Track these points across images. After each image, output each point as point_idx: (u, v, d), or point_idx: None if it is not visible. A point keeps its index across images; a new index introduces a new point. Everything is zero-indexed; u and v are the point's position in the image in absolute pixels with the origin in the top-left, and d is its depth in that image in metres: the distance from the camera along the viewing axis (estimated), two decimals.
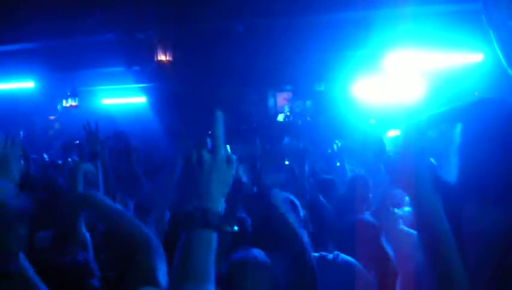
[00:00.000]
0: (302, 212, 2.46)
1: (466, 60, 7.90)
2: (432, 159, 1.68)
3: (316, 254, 2.40)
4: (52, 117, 13.39)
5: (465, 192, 1.49)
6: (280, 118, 13.07)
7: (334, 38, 7.84)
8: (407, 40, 7.15)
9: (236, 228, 2.40)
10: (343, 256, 2.38)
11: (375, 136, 3.90)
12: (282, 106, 13.27)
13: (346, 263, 2.35)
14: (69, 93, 10.65)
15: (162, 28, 6.74)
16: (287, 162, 5.90)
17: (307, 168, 5.00)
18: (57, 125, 13.66)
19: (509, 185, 1.42)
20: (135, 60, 7.89)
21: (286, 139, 9.70)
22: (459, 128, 1.56)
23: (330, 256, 2.38)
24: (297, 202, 2.53)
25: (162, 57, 6.63)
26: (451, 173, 1.57)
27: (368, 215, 3.43)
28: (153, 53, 6.75)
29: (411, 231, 2.37)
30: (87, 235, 2.49)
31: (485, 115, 1.51)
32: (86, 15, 7.17)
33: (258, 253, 1.98)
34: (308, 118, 12.14)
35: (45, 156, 7.43)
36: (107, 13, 6.73)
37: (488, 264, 1.39)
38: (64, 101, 11.09)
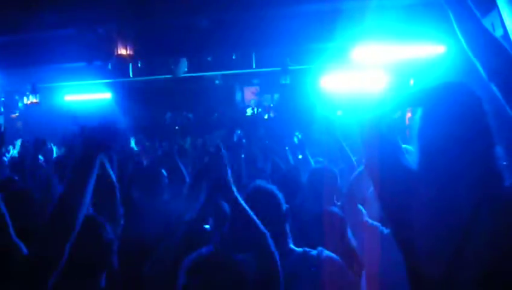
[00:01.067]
0: (284, 206, 2.40)
1: (429, 52, 8.02)
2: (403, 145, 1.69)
3: (299, 250, 2.36)
4: (14, 115, 13.01)
5: (423, 175, 1.51)
6: (249, 112, 13.06)
7: (301, 31, 7.82)
8: (373, 33, 7.20)
9: (208, 226, 2.35)
10: (327, 252, 2.35)
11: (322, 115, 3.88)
12: (250, 100, 13.25)
13: (330, 259, 2.32)
14: (28, 91, 10.33)
15: (122, 22, 6.57)
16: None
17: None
18: (19, 124, 13.29)
19: (465, 168, 1.44)
20: (96, 55, 7.70)
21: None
22: (419, 112, 1.57)
23: (314, 252, 2.34)
24: (280, 195, 2.46)
25: (122, 51, 6.46)
26: (412, 157, 1.58)
27: (335, 208, 3.42)
28: (114, 47, 6.57)
29: (376, 223, 2.36)
30: None
31: (448, 99, 1.52)
32: (45, 9, 6.93)
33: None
34: (272, 114, 12.18)
35: (7, 155, 7.19)
36: (67, 7, 6.52)
37: (450, 247, 1.39)
38: (25, 98, 10.75)
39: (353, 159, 3.45)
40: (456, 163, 1.45)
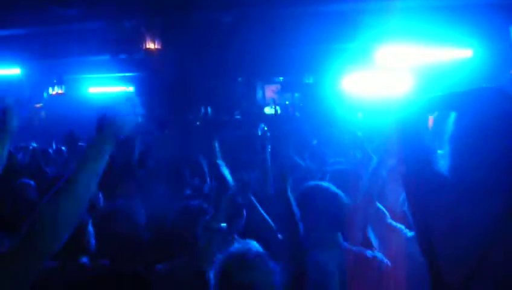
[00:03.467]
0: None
1: (456, 56, 7.91)
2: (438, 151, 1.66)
3: (356, 249, 2.35)
4: (38, 105, 13.21)
5: (456, 182, 1.47)
6: (267, 110, 13.03)
7: (324, 31, 7.79)
8: (397, 34, 7.14)
9: (224, 225, 2.38)
10: (380, 255, 2.34)
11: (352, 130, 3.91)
12: (270, 99, 13.22)
13: (382, 262, 2.31)
14: (55, 81, 10.49)
15: (149, 16, 6.63)
16: None
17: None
18: (42, 113, 13.49)
19: (498, 176, 1.41)
20: (122, 48, 7.78)
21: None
22: (452, 116, 1.53)
23: (369, 253, 2.33)
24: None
25: (150, 45, 6.52)
26: (444, 162, 1.55)
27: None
28: (141, 41, 6.64)
29: (399, 226, 2.35)
30: None
31: (484, 103, 1.47)
32: (74, 2, 7.04)
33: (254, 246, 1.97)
34: (297, 113, 12.12)
35: (34, 144, 7.31)
36: (94, 0, 6.62)
37: (472, 255, 1.37)
38: (50, 89, 10.93)
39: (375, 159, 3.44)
40: (489, 169, 1.40)
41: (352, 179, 3.78)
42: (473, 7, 6.61)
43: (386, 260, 2.26)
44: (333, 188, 2.45)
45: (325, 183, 2.54)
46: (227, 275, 1.85)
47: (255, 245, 2.01)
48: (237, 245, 1.97)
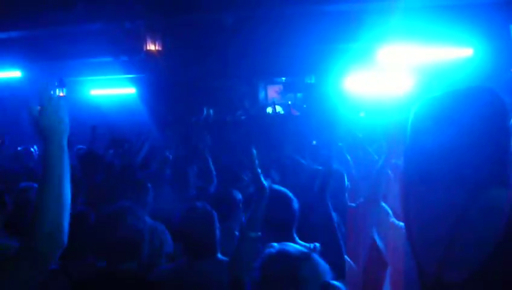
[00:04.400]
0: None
1: (457, 55, 7.91)
2: None
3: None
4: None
5: (412, 174, 1.52)
6: (269, 110, 13.04)
7: (326, 31, 7.80)
8: (399, 34, 7.14)
9: (259, 233, 2.39)
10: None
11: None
12: (271, 99, 13.24)
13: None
14: (56, 84, 10.50)
15: (150, 17, 6.63)
16: None
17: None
18: None
19: (470, 172, 1.43)
20: (123, 50, 7.79)
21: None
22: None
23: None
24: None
25: (151, 46, 6.53)
26: None
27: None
28: (142, 42, 6.64)
29: (401, 223, 2.34)
30: None
31: (464, 103, 1.50)
32: (73, 3, 7.05)
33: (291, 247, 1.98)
34: (297, 112, 12.11)
35: (35, 147, 7.33)
36: (94, 2, 6.62)
37: (441, 243, 1.41)
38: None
39: (377, 159, 3.44)
40: (460, 166, 1.44)
41: (339, 180, 3.84)
42: (473, 6, 6.62)
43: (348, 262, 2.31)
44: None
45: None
46: (270, 275, 1.83)
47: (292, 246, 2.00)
48: (275, 246, 1.94)
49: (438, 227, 1.44)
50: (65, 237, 1.56)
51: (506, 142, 1.46)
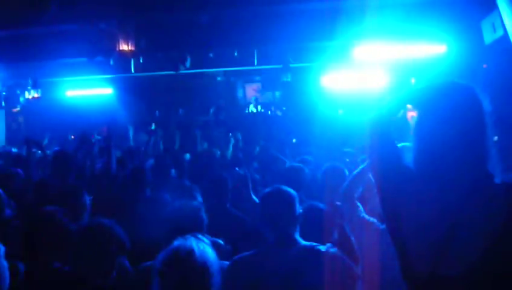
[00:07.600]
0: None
1: (431, 51, 8.02)
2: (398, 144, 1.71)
3: (306, 243, 2.36)
4: (15, 109, 13.00)
5: (417, 173, 1.53)
6: (250, 109, 13.06)
7: (302, 29, 7.82)
8: (374, 32, 7.21)
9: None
10: (334, 249, 2.36)
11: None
12: (252, 97, 13.25)
13: (339, 256, 2.32)
14: (30, 86, 10.33)
15: (123, 17, 6.55)
16: None
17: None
18: (20, 119, 13.29)
19: (457, 166, 1.46)
20: (98, 50, 7.70)
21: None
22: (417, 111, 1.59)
23: (323, 247, 2.35)
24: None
25: (124, 46, 6.46)
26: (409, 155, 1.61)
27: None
28: (115, 43, 6.57)
29: (372, 219, 2.38)
30: None
31: (443, 97, 1.54)
32: (47, 4, 6.94)
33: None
34: (279, 112, 12.16)
35: (13, 149, 7.20)
36: (68, 2, 6.52)
37: (437, 242, 1.43)
38: (26, 93, 10.74)
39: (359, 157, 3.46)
40: (449, 161, 1.47)
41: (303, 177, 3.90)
42: (446, 3, 6.72)
43: (341, 255, 2.31)
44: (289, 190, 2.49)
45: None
46: (162, 272, 1.80)
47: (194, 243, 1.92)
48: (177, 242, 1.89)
49: (433, 225, 1.46)
50: None
51: (483, 136, 1.49)
